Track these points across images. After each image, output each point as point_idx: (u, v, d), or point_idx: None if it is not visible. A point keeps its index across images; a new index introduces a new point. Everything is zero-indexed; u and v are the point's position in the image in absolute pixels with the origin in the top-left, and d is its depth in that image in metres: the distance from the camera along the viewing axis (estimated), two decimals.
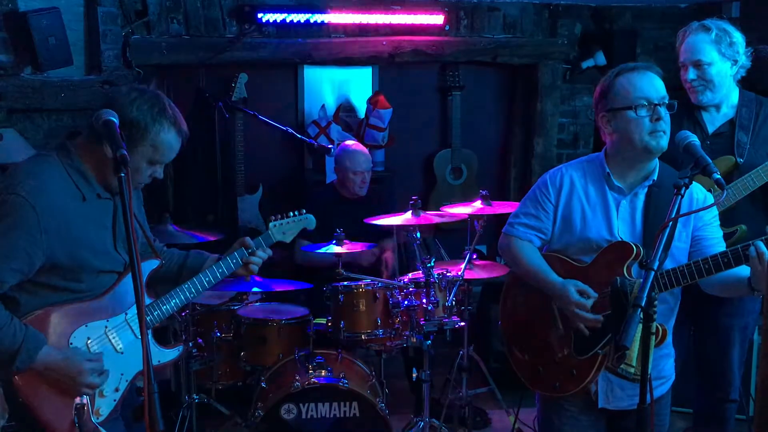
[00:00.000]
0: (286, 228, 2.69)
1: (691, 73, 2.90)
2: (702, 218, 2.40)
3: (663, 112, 2.30)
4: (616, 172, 2.41)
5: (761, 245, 2.12)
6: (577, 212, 2.44)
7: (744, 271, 2.20)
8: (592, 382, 2.39)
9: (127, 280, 2.25)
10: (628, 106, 2.31)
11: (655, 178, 2.39)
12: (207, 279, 2.42)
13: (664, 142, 2.32)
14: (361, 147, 4.37)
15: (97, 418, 2.24)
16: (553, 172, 2.53)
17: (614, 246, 2.37)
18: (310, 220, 2.76)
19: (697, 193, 2.42)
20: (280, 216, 2.69)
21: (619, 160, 2.40)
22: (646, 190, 2.40)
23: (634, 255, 2.32)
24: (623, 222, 2.41)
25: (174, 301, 2.37)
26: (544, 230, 2.51)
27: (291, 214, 2.70)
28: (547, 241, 2.54)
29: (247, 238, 2.50)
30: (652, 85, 2.32)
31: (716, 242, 2.40)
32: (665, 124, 2.31)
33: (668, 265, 2.30)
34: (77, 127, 2.33)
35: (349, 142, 4.44)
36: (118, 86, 4.10)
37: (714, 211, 2.45)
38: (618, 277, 2.25)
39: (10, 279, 2.07)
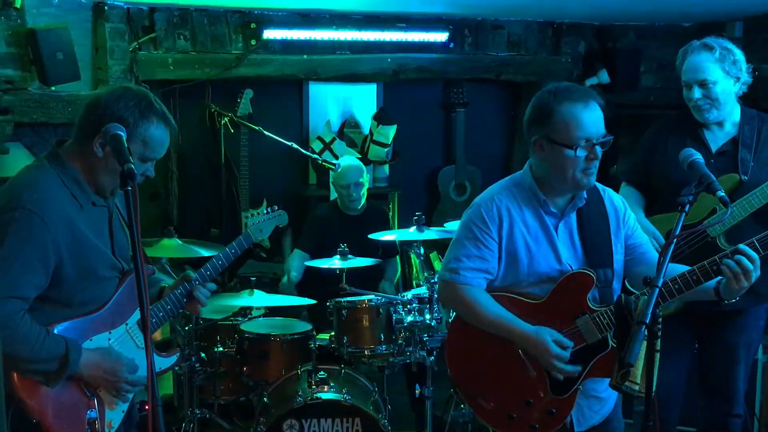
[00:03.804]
0: (262, 225, 2.85)
1: (696, 93, 2.90)
2: (627, 224, 2.39)
3: (599, 151, 2.23)
4: (548, 196, 2.32)
5: (731, 263, 2.12)
6: (521, 246, 2.30)
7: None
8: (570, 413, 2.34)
9: (124, 289, 2.27)
10: (568, 144, 2.21)
11: (585, 196, 2.34)
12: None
13: (593, 179, 2.27)
14: (350, 161, 4.37)
15: (110, 430, 2.24)
16: (487, 204, 2.34)
17: (572, 277, 2.29)
18: (282, 217, 2.93)
19: (617, 200, 2.42)
20: (256, 214, 2.88)
21: (548, 187, 2.32)
22: (575, 211, 2.35)
23: (594, 284, 2.27)
24: (564, 246, 2.33)
25: (162, 313, 2.39)
26: (491, 270, 2.32)
27: (265, 211, 2.89)
28: (492, 280, 2.35)
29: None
30: (595, 121, 2.21)
31: (648, 247, 2.39)
32: (598, 162, 2.25)
33: (615, 283, 2.31)
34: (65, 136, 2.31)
35: (345, 157, 4.47)
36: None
37: (634, 216, 2.44)
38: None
39: (32, 293, 2.08)
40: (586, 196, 2.34)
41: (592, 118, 2.22)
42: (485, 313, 2.31)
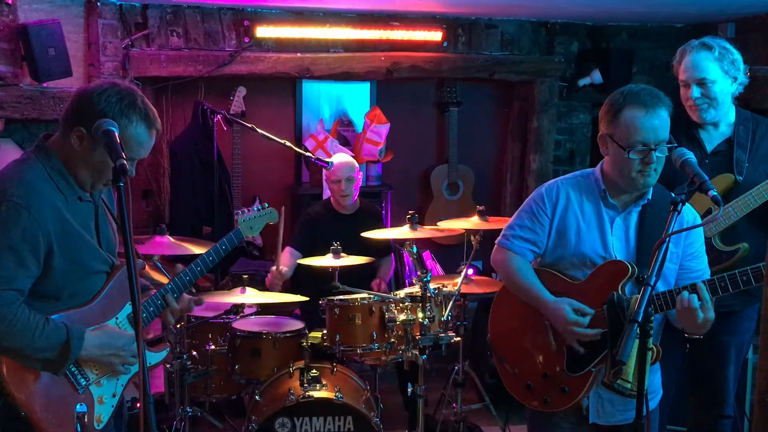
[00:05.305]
0: (252, 222, 2.86)
1: (695, 92, 2.90)
2: (693, 245, 2.43)
3: (656, 155, 2.29)
4: (611, 190, 2.43)
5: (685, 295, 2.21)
6: (572, 227, 2.44)
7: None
8: (584, 397, 2.40)
9: (113, 284, 2.26)
10: (624, 146, 2.30)
11: (650, 197, 2.42)
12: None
13: (651, 179, 2.34)
14: (343, 157, 4.36)
15: (99, 425, 2.23)
16: (550, 186, 2.52)
17: (609, 264, 2.38)
18: (273, 214, 2.95)
19: (688, 214, 2.44)
20: (246, 211, 2.86)
21: (613, 181, 2.42)
22: (639, 208, 2.42)
23: (629, 274, 2.32)
24: (617, 239, 2.42)
25: (152, 308, 2.38)
26: (539, 244, 2.50)
27: (256, 208, 2.90)
28: (540, 255, 2.53)
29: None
30: (654, 128, 2.29)
31: (700, 274, 2.42)
32: (656, 164, 2.31)
33: (659, 285, 2.31)
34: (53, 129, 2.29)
35: (339, 153, 4.46)
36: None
37: (702, 240, 2.47)
38: (614, 293, 2.26)
39: (27, 285, 2.08)
40: (650, 196, 2.41)
41: (651, 125, 2.29)
42: (520, 279, 2.49)
